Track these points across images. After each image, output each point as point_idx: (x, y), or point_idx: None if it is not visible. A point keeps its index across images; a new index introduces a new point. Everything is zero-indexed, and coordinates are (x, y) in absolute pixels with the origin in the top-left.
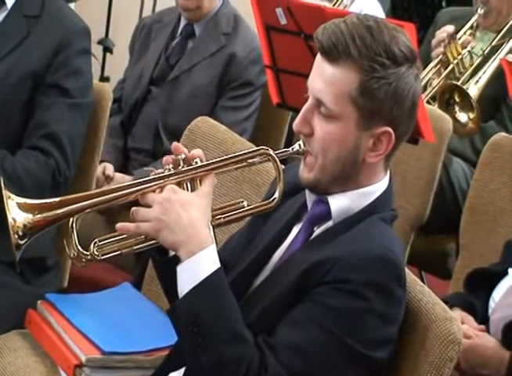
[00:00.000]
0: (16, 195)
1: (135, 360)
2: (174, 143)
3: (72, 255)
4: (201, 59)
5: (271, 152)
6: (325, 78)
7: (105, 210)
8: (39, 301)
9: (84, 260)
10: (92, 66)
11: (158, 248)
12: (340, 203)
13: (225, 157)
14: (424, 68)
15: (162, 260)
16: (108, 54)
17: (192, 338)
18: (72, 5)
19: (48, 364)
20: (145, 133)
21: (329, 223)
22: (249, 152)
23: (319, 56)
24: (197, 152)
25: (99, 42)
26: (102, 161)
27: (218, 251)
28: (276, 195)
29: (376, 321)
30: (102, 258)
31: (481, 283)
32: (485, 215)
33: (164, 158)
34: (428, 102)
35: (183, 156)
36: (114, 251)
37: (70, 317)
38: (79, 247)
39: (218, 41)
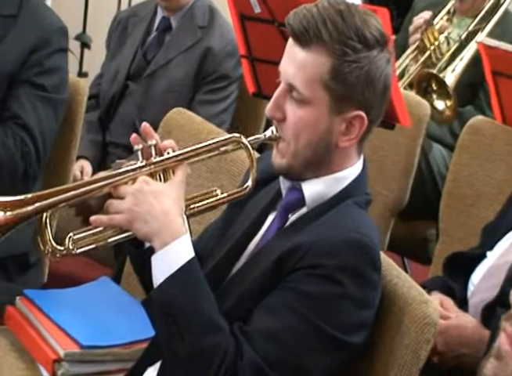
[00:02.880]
0: None
1: (114, 353)
2: (144, 124)
3: (46, 251)
4: (177, 53)
5: (243, 139)
6: (296, 63)
7: (82, 211)
8: (18, 298)
9: (58, 255)
10: (70, 61)
11: (133, 241)
12: (314, 189)
13: (197, 146)
14: (401, 55)
15: (137, 252)
16: (86, 49)
17: (167, 328)
18: (49, 1)
19: (28, 360)
20: (122, 128)
21: (304, 210)
22: (221, 140)
23: (290, 41)
24: (169, 142)
25: (77, 38)
26: (80, 157)
27: (193, 242)
28: (249, 182)
29: (351, 306)
30: (78, 251)
31: (460, 266)
32: (464, 199)
33: (132, 136)
34: (405, 89)
35: (154, 142)
36: (89, 245)
37: (49, 312)
38: (53, 243)
39: (194, 34)
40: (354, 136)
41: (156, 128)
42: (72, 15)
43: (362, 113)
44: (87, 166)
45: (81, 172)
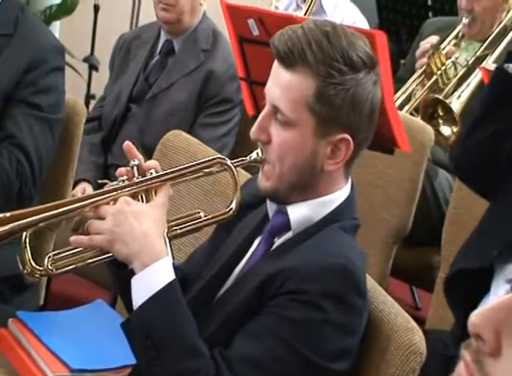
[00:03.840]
0: None
1: None
2: (126, 142)
3: (25, 271)
4: (180, 76)
5: (227, 161)
6: (281, 85)
7: (78, 228)
8: (10, 319)
9: (37, 275)
10: (78, 84)
11: (116, 262)
12: (300, 213)
13: (180, 167)
14: (408, 79)
15: (120, 274)
16: (94, 72)
17: (146, 352)
18: (57, 23)
19: None
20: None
21: (290, 234)
22: (204, 161)
23: (275, 63)
24: (153, 163)
25: (85, 60)
26: (81, 180)
27: (181, 264)
28: (233, 205)
29: (334, 332)
30: (57, 272)
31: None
32: (465, 226)
33: (118, 170)
34: (412, 113)
35: (137, 162)
36: (69, 265)
37: (40, 335)
38: (32, 263)
39: (197, 58)
40: (340, 160)
41: None
42: (80, 37)
43: (348, 137)
44: (89, 189)
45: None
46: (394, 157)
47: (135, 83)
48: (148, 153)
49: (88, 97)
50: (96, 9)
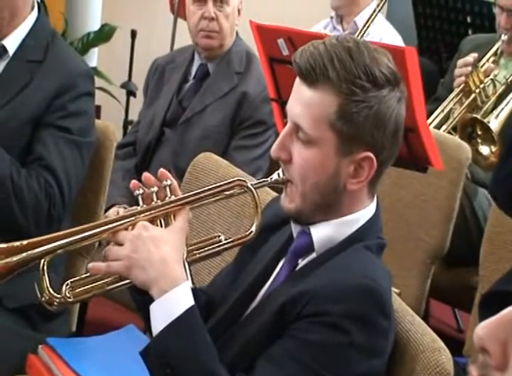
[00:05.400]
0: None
1: None
2: (144, 174)
3: (43, 299)
4: (213, 100)
5: (247, 183)
6: (303, 102)
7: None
8: (40, 346)
9: (56, 303)
10: (117, 109)
11: (138, 288)
12: (323, 233)
13: (200, 190)
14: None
15: (141, 300)
16: (132, 97)
17: None
18: (95, 50)
19: None
20: None
21: (314, 255)
22: (224, 184)
23: (297, 80)
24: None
25: (122, 86)
26: (115, 205)
27: (205, 287)
28: (253, 228)
29: (359, 354)
30: (75, 300)
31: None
32: (504, 245)
33: (132, 182)
34: (450, 133)
35: (156, 189)
36: (87, 293)
37: (70, 362)
38: (51, 290)
39: (231, 80)
40: (363, 179)
41: None
42: (118, 63)
43: (372, 155)
44: (122, 213)
45: None
46: (430, 175)
47: (169, 107)
48: (182, 177)
49: (126, 123)
50: (133, 35)
